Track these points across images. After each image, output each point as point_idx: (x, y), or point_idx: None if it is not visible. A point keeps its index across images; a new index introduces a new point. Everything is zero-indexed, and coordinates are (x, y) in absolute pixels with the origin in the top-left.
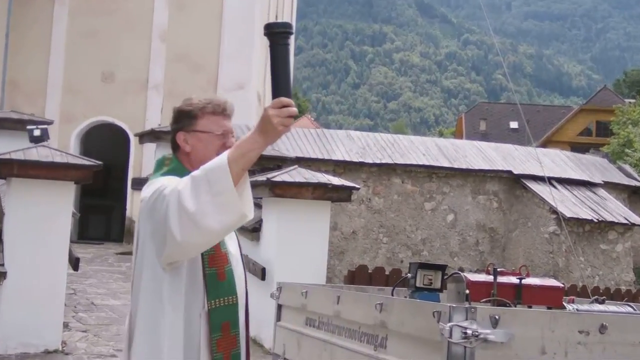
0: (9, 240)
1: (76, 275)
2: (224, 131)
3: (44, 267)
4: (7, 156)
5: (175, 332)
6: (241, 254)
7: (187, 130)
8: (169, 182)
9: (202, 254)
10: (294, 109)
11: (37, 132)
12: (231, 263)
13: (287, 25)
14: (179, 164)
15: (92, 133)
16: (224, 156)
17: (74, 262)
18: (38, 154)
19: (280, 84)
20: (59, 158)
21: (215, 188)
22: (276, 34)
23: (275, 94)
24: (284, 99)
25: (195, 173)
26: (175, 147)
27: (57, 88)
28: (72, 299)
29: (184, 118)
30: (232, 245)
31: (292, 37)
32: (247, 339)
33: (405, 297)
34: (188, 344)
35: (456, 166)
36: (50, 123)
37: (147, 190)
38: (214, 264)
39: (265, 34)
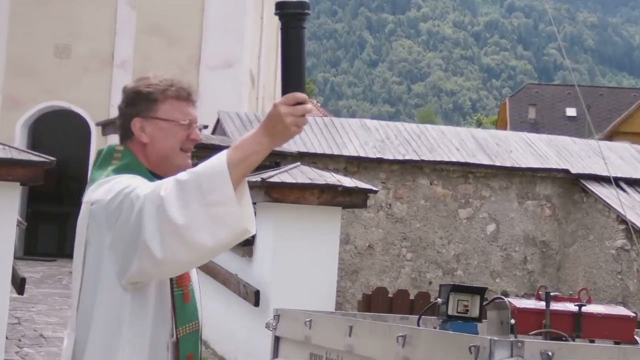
0: None
1: (21, 300)
2: (189, 120)
3: None
4: None
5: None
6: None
7: (144, 117)
8: (135, 183)
9: None
10: (310, 106)
11: None
12: (192, 279)
13: (303, 5)
14: (133, 158)
15: (43, 121)
16: (222, 158)
17: (19, 284)
18: None
19: (293, 76)
20: (1, 153)
21: (210, 197)
22: (290, 15)
23: (287, 87)
24: (299, 95)
25: (181, 176)
26: (127, 135)
27: None
28: (15, 330)
29: (141, 101)
30: None
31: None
32: None
33: (435, 327)
34: None
35: (498, 164)
36: None
37: (101, 191)
38: (180, 282)
39: (277, 14)
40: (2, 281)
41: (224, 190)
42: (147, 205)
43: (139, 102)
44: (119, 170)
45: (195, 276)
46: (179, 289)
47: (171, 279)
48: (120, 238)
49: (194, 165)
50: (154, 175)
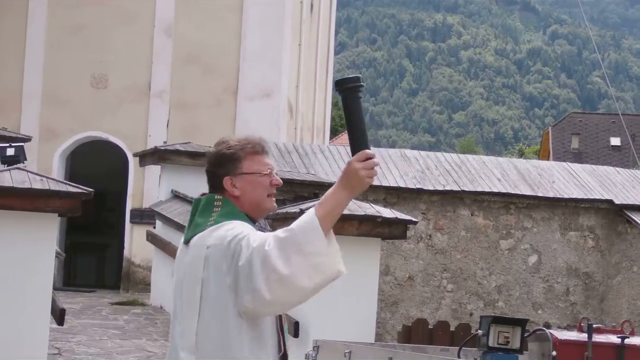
0: None
1: (61, 330)
2: (269, 169)
3: (20, 320)
4: None
5: None
6: None
7: (233, 175)
8: (246, 230)
9: None
10: (378, 160)
11: (10, 151)
12: None
13: (358, 79)
14: (233, 205)
15: (80, 152)
16: (312, 215)
17: (59, 315)
18: (12, 178)
19: (358, 137)
20: (38, 184)
21: (307, 249)
22: (349, 89)
23: (356, 147)
24: (368, 152)
25: (280, 234)
26: (219, 189)
27: (35, 97)
28: None
29: (226, 162)
30: None
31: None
32: None
33: (476, 359)
34: None
35: (541, 194)
36: (27, 140)
37: (216, 235)
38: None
39: (337, 90)
40: (41, 312)
41: (318, 242)
42: (254, 258)
43: (225, 163)
44: (224, 216)
45: None
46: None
47: None
48: (237, 280)
49: None
50: (249, 218)
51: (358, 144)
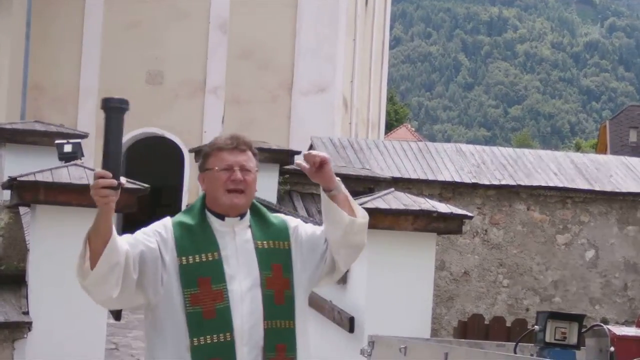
0: (35, 282)
1: (118, 326)
2: (227, 165)
3: (78, 316)
4: (31, 177)
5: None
6: (265, 293)
7: (202, 171)
8: (136, 234)
9: (183, 293)
10: (107, 181)
11: (67, 148)
12: (230, 300)
13: (125, 102)
14: (198, 201)
15: (136, 148)
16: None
17: (116, 311)
18: (69, 174)
19: (105, 156)
20: None
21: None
22: (112, 109)
23: (102, 165)
24: (98, 171)
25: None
26: None
27: (92, 93)
28: (113, 355)
29: (201, 160)
30: (246, 282)
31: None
32: None
33: (532, 355)
34: None
35: (598, 188)
36: (84, 137)
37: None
38: (197, 302)
39: (102, 108)
40: (99, 308)
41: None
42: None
43: (200, 160)
44: (182, 212)
45: (255, 297)
46: (194, 307)
47: (184, 300)
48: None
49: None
50: (218, 214)
51: (104, 163)
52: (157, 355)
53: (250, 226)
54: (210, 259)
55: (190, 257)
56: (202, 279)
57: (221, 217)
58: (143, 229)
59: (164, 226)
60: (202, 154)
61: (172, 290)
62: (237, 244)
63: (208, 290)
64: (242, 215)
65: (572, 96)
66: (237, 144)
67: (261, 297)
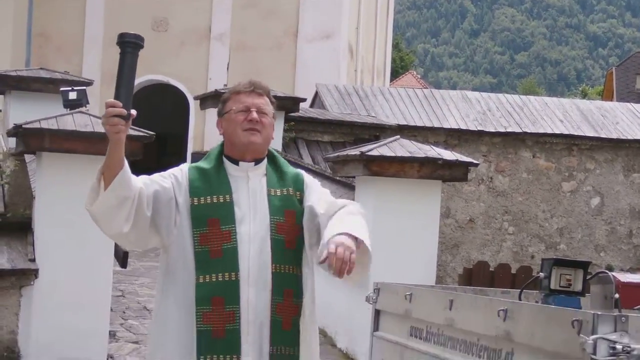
0: (41, 230)
1: (124, 273)
2: (244, 107)
3: (84, 263)
4: (36, 125)
5: (176, 301)
6: (274, 237)
7: (221, 116)
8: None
9: (193, 233)
10: (117, 110)
11: (72, 95)
12: (238, 241)
13: (141, 39)
14: (216, 147)
15: (141, 96)
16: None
17: (122, 258)
18: (74, 122)
19: (117, 88)
20: (100, 127)
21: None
22: (128, 43)
23: (114, 97)
24: (108, 100)
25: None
26: None
27: (97, 40)
28: (120, 302)
29: (219, 105)
30: (255, 226)
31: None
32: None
33: (537, 301)
34: (186, 311)
35: (604, 135)
36: (89, 84)
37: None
38: (205, 242)
39: (118, 43)
40: (105, 255)
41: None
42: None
43: (219, 106)
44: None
45: (264, 239)
46: (202, 246)
47: (193, 239)
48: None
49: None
50: (232, 158)
51: (116, 94)
52: (167, 295)
53: (266, 174)
54: (222, 200)
55: (202, 198)
56: (211, 220)
57: (236, 162)
58: (160, 172)
59: (180, 170)
60: (221, 98)
61: (183, 230)
62: (249, 189)
63: (217, 230)
64: (257, 161)
65: (579, 42)
66: (255, 88)
67: (270, 242)
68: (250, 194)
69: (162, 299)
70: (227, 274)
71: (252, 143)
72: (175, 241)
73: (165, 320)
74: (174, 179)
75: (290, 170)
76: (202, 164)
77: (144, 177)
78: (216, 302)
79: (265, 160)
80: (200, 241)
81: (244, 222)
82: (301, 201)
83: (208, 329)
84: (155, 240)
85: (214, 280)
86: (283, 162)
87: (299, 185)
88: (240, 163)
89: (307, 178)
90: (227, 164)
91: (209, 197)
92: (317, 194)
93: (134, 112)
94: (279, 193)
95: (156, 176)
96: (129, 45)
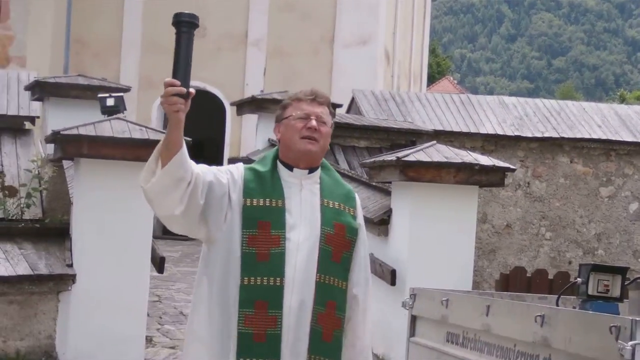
0: (79, 235)
1: (161, 278)
2: (304, 114)
3: (121, 268)
4: (74, 131)
5: (213, 299)
6: (322, 247)
7: (279, 122)
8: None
9: (242, 233)
10: (176, 88)
11: (110, 102)
12: (286, 248)
13: (197, 18)
14: (272, 151)
15: None
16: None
17: (159, 263)
18: (112, 128)
19: (175, 69)
20: (138, 133)
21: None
22: (184, 23)
23: (172, 76)
24: (166, 80)
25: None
26: None
27: (135, 46)
28: (156, 307)
29: (279, 111)
30: (304, 234)
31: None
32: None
33: (574, 307)
34: (224, 312)
35: None
36: (126, 90)
37: None
38: (253, 244)
39: (173, 23)
40: (142, 260)
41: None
42: None
43: (279, 112)
44: (257, 161)
45: (312, 249)
46: (250, 248)
47: (242, 240)
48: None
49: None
50: (286, 164)
51: (174, 74)
52: (202, 292)
53: (320, 183)
54: (274, 205)
55: (255, 199)
56: (262, 222)
57: (290, 168)
58: (217, 167)
59: (236, 168)
60: (281, 104)
61: (233, 229)
62: (302, 197)
63: (267, 234)
64: (311, 170)
65: (617, 47)
66: (316, 96)
67: (318, 251)
68: (303, 202)
69: (201, 295)
70: (272, 278)
71: (309, 151)
72: (222, 238)
73: (201, 318)
74: (230, 176)
75: (344, 185)
76: (257, 166)
77: (202, 166)
78: (259, 305)
79: (319, 169)
80: (249, 242)
81: (294, 230)
82: (354, 217)
83: (249, 332)
84: (202, 232)
85: (258, 283)
86: (337, 175)
87: (351, 202)
88: (295, 170)
89: (358, 200)
90: (281, 168)
91: (262, 199)
92: (363, 249)
93: (192, 90)
94: (331, 205)
95: (213, 168)
96: (184, 25)
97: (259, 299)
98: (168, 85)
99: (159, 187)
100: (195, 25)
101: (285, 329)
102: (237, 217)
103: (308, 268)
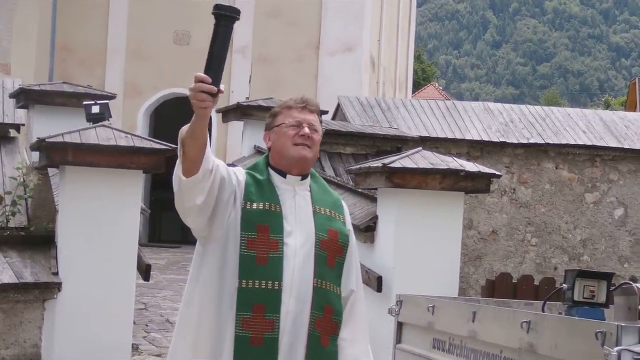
0: (64, 243)
1: (147, 286)
2: (296, 121)
3: (107, 276)
4: (59, 139)
5: (205, 300)
6: (318, 253)
7: (270, 129)
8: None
9: (241, 236)
10: (206, 86)
11: (95, 109)
12: (284, 253)
13: (238, 12)
14: (262, 158)
15: (163, 109)
16: None
17: (145, 271)
18: (97, 135)
19: (208, 62)
20: (123, 141)
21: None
22: (225, 16)
23: (204, 71)
24: (197, 74)
25: None
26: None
27: (119, 54)
28: (142, 315)
29: (269, 119)
30: (301, 240)
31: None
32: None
33: (560, 313)
34: (217, 314)
35: (627, 146)
36: (112, 97)
37: None
38: (252, 247)
39: (214, 13)
40: (128, 268)
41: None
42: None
43: (268, 120)
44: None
45: (308, 255)
46: (249, 251)
47: (241, 243)
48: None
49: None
50: (279, 170)
51: (207, 68)
52: (193, 292)
53: (309, 191)
54: (273, 209)
55: (254, 203)
56: (261, 226)
57: (283, 174)
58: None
59: (239, 171)
60: (271, 112)
61: (233, 229)
62: (296, 203)
63: (265, 238)
64: (303, 177)
65: (602, 53)
66: (307, 104)
67: (314, 256)
68: (297, 208)
69: (194, 297)
70: (270, 282)
71: (304, 157)
72: (221, 237)
73: (193, 320)
74: (235, 177)
75: (332, 193)
76: (254, 172)
77: (218, 159)
78: (257, 309)
79: (309, 177)
80: (247, 245)
81: (291, 235)
82: (344, 224)
83: (247, 335)
84: (208, 228)
85: (257, 286)
86: (324, 183)
87: (339, 209)
88: (288, 176)
89: (346, 207)
90: (274, 175)
91: (261, 203)
92: (355, 255)
93: (222, 87)
94: (323, 212)
95: (225, 166)
96: (224, 18)
97: (257, 302)
98: (198, 80)
99: (196, 182)
100: (236, 19)
101: (282, 333)
102: (238, 219)
103: (305, 273)
